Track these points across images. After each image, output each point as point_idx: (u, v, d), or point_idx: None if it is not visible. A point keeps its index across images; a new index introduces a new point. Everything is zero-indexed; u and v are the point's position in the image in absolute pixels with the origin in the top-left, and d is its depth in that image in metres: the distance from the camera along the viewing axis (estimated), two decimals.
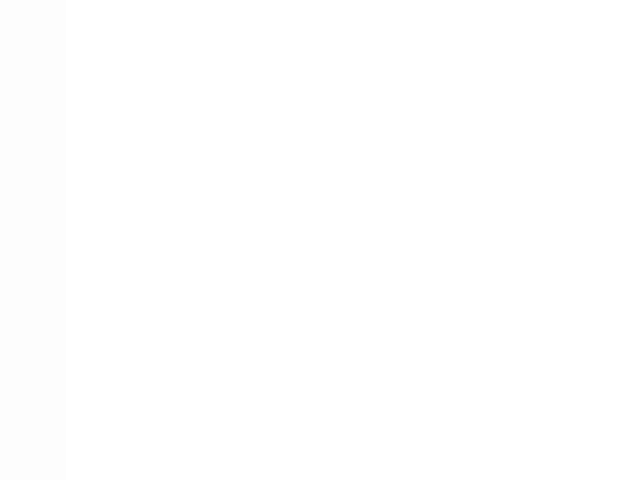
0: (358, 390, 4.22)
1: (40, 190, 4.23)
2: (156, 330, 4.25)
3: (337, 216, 4.24)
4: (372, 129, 4.23)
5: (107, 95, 4.29)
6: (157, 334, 4.25)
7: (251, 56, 4.27)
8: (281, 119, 4.25)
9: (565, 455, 4.16)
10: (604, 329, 4.14)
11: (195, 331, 4.25)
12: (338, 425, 4.23)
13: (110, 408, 4.25)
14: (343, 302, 4.22)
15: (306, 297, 4.23)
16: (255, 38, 4.27)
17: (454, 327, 4.19)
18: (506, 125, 4.20)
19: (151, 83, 4.28)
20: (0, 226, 4.21)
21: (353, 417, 4.22)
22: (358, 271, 4.22)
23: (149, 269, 4.26)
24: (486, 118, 4.20)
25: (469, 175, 4.20)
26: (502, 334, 4.18)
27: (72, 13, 4.29)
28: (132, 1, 4.28)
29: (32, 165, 4.24)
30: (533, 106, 4.20)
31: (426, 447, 4.20)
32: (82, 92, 4.29)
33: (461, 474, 4.19)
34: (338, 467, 4.23)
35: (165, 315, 4.25)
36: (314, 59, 4.25)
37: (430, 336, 4.20)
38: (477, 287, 4.18)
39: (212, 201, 4.26)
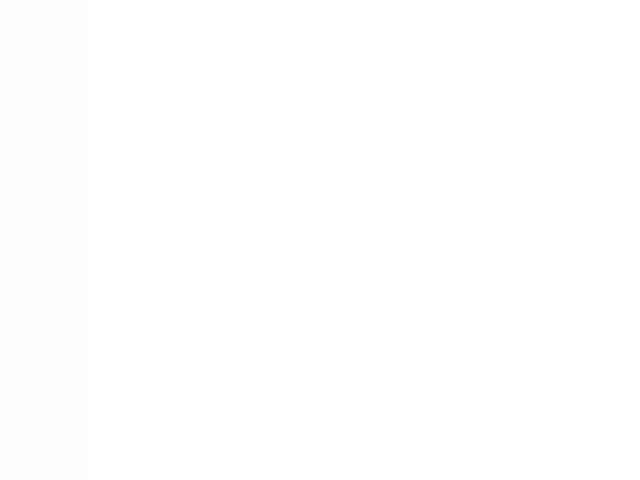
0: (358, 390, 4.23)
1: (43, 184, 4.24)
2: (166, 329, 4.26)
3: (337, 216, 4.24)
4: (372, 129, 4.24)
5: (116, 96, 4.30)
6: (167, 333, 4.26)
7: (258, 59, 4.28)
8: (289, 121, 4.26)
9: (565, 455, 4.16)
10: (604, 329, 4.14)
11: (201, 330, 4.26)
12: (338, 425, 4.23)
13: (119, 407, 4.27)
14: (343, 302, 4.23)
15: (309, 298, 4.24)
16: (262, 41, 4.28)
17: (454, 327, 4.19)
18: (506, 125, 4.20)
19: (158, 85, 4.29)
20: (11, 223, 4.23)
21: (353, 417, 4.23)
22: (358, 271, 4.23)
23: (155, 267, 4.27)
24: (486, 118, 4.20)
25: (469, 175, 4.20)
26: (502, 334, 4.18)
27: (76, 14, 4.31)
28: (141, 4, 4.29)
29: (36, 162, 4.25)
30: (533, 106, 4.20)
31: (426, 447, 4.20)
32: (86, 94, 4.31)
33: (461, 474, 4.20)
34: (337, 467, 4.24)
35: (176, 315, 4.26)
36: (318, 61, 4.26)
37: (430, 336, 4.20)
38: (477, 287, 4.19)
39: (217, 200, 4.27)
